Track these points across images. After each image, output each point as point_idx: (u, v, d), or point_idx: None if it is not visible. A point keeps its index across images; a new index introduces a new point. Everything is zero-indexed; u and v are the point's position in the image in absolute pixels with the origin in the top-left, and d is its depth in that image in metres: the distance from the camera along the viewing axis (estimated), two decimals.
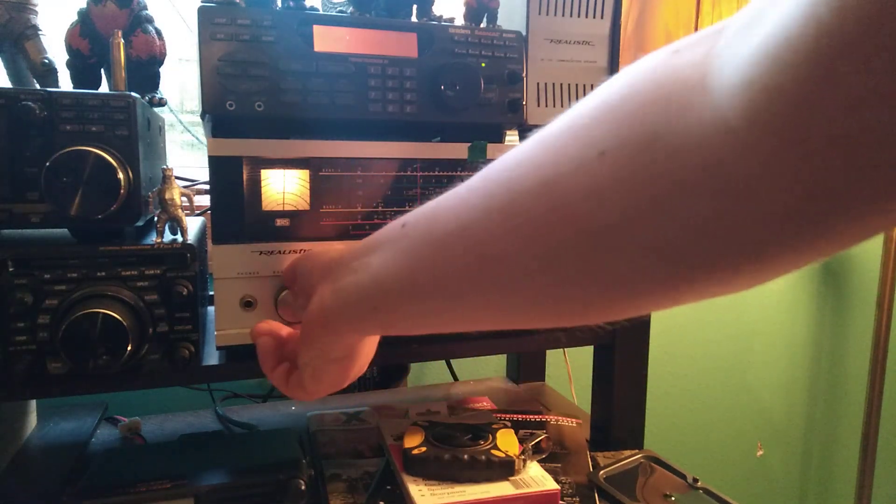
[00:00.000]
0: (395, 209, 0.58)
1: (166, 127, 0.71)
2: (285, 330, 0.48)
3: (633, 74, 0.25)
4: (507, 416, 0.72)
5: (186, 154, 1.04)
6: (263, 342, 0.47)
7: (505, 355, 1.05)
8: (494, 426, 0.65)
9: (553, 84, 0.65)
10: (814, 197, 0.19)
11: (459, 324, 0.35)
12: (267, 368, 0.46)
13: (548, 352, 1.00)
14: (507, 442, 0.62)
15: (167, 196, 0.53)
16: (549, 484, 0.57)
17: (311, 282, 0.43)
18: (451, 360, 0.99)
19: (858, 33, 0.15)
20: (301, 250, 0.56)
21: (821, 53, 0.16)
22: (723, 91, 0.20)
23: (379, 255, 0.36)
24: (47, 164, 0.47)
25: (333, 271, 0.39)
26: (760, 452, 1.46)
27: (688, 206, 0.22)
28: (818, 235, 0.20)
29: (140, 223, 0.53)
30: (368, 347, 0.44)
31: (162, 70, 0.65)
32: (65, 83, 0.63)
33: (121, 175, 0.49)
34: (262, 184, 0.54)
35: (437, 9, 0.63)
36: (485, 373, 1.08)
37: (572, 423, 0.73)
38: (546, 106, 0.65)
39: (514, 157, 0.29)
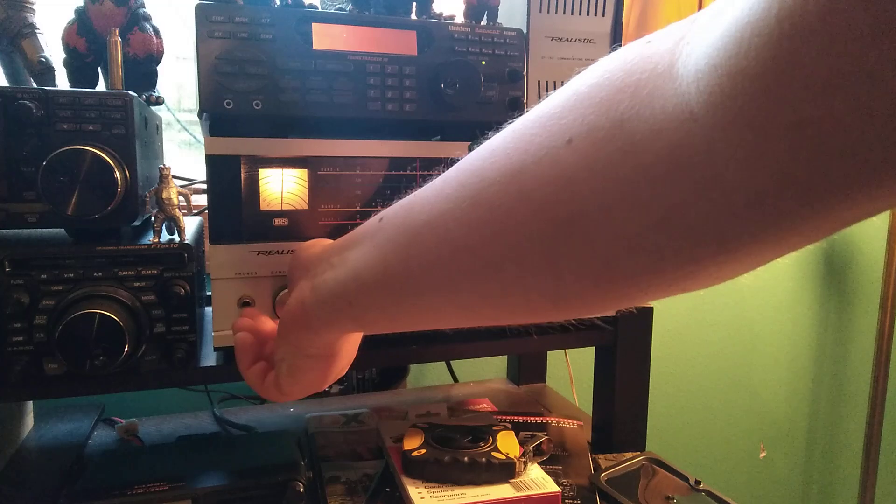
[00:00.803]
0: None
1: (163, 126, 0.71)
2: (267, 326, 0.47)
3: (605, 64, 0.24)
4: (508, 417, 0.72)
5: (184, 153, 1.04)
6: (241, 338, 0.45)
7: (505, 357, 1.04)
8: (495, 428, 0.65)
9: (554, 82, 0.65)
10: (778, 185, 0.18)
11: (434, 320, 0.34)
12: (243, 366, 0.45)
13: (549, 353, 0.99)
14: (507, 444, 0.61)
15: (164, 195, 0.52)
16: (550, 486, 0.57)
17: (294, 277, 0.43)
18: (452, 362, 0.99)
19: (821, 15, 0.15)
20: None
21: (784, 36, 0.16)
22: (688, 77, 0.20)
23: (357, 249, 0.35)
24: (44, 163, 0.47)
25: (314, 267, 0.39)
26: (763, 454, 1.45)
27: (654, 194, 0.21)
28: (784, 226, 0.20)
29: (137, 223, 0.53)
30: (349, 348, 0.43)
31: (159, 68, 0.65)
32: (62, 82, 0.62)
33: (118, 174, 0.49)
34: (261, 183, 0.54)
35: (437, 6, 0.63)
36: (485, 374, 1.08)
37: (573, 424, 0.73)
38: None
39: (487, 147, 0.28)
